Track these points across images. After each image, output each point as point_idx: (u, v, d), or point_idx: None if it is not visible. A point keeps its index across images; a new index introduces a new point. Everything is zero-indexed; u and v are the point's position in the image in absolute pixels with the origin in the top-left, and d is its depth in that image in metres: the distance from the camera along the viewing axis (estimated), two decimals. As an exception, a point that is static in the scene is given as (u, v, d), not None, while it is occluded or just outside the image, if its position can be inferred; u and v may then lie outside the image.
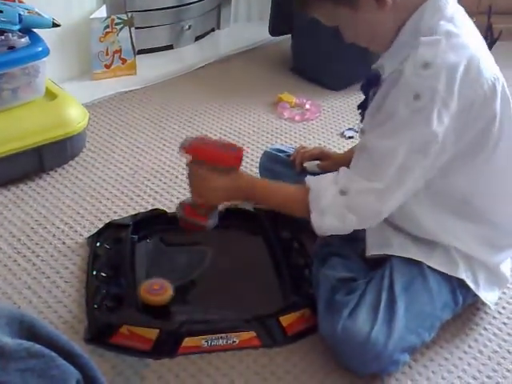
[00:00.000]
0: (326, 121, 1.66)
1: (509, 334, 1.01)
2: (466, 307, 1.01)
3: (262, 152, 1.31)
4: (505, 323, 1.03)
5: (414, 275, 0.93)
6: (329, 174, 0.91)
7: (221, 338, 0.94)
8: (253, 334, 0.95)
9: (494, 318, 1.04)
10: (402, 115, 0.82)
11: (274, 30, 1.90)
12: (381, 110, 0.87)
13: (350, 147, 1.42)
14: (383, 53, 0.92)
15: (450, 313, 0.97)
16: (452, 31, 0.84)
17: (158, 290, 0.97)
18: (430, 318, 0.93)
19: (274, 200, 0.97)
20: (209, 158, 0.93)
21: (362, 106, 0.98)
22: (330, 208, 0.87)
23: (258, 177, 0.90)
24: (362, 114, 0.98)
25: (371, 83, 0.94)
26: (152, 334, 0.92)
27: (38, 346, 0.61)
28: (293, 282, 1.03)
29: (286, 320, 0.96)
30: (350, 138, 1.57)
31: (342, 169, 0.90)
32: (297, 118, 1.65)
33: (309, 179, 0.92)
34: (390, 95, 0.85)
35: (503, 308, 1.06)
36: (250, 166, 1.42)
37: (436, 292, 0.93)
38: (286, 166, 1.20)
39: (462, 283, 0.95)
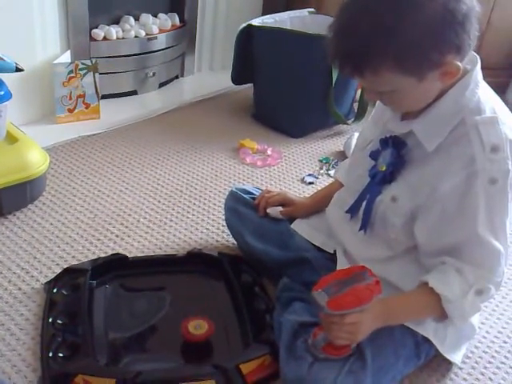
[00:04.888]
0: (287, 167, 1.70)
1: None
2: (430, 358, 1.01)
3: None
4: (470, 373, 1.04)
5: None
6: (453, 275, 0.88)
7: (180, 387, 0.92)
8: (212, 382, 0.93)
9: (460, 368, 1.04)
10: (483, 202, 0.84)
11: (236, 79, 1.96)
12: (440, 190, 0.86)
13: (310, 193, 1.46)
14: (410, 117, 0.90)
15: (412, 367, 0.98)
16: (494, 108, 0.88)
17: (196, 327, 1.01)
18: (392, 369, 0.93)
19: (409, 315, 0.94)
20: (356, 304, 0.85)
21: (374, 156, 0.98)
22: (473, 311, 0.92)
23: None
24: (375, 165, 0.97)
25: (388, 145, 0.94)
26: None
27: (-12, 398, 0.59)
28: (254, 329, 1.02)
29: (246, 368, 0.95)
30: (311, 183, 1.61)
31: (466, 268, 0.88)
32: (258, 163, 1.68)
33: (437, 287, 0.88)
34: (459, 183, 0.85)
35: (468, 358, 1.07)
36: (213, 210, 1.44)
37: (400, 344, 0.94)
38: (249, 207, 1.22)
39: (426, 338, 0.95)
